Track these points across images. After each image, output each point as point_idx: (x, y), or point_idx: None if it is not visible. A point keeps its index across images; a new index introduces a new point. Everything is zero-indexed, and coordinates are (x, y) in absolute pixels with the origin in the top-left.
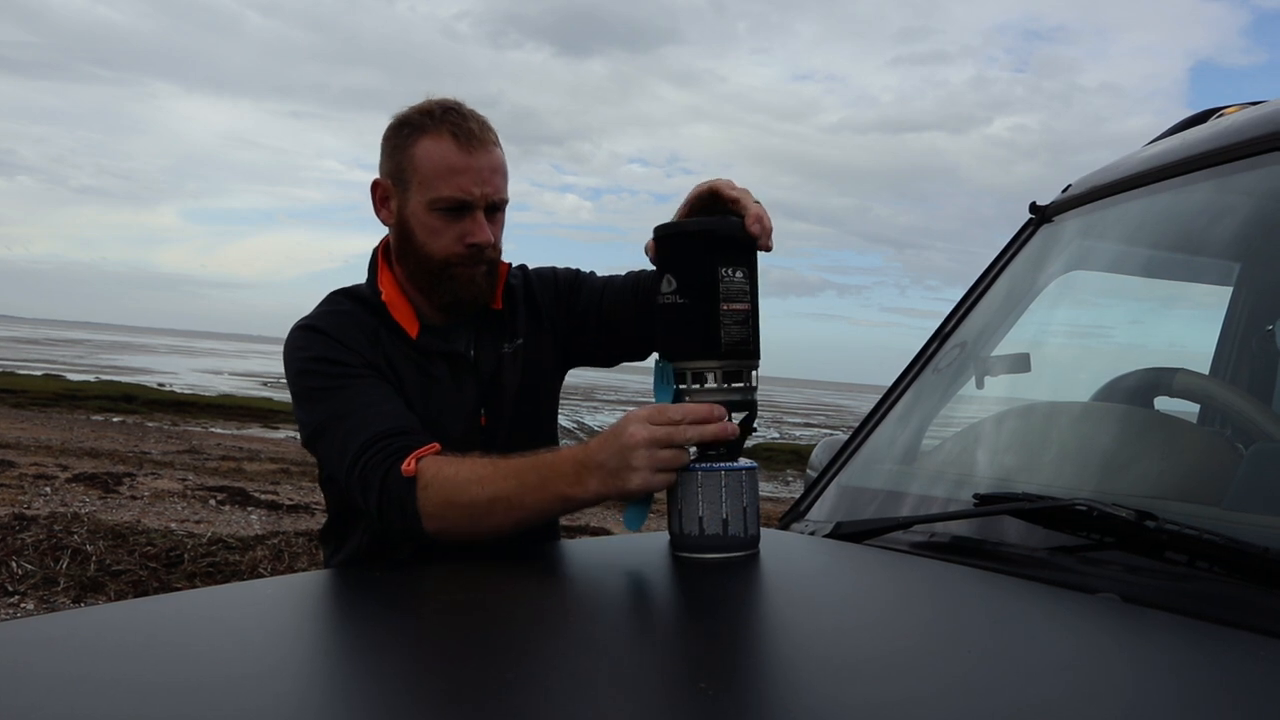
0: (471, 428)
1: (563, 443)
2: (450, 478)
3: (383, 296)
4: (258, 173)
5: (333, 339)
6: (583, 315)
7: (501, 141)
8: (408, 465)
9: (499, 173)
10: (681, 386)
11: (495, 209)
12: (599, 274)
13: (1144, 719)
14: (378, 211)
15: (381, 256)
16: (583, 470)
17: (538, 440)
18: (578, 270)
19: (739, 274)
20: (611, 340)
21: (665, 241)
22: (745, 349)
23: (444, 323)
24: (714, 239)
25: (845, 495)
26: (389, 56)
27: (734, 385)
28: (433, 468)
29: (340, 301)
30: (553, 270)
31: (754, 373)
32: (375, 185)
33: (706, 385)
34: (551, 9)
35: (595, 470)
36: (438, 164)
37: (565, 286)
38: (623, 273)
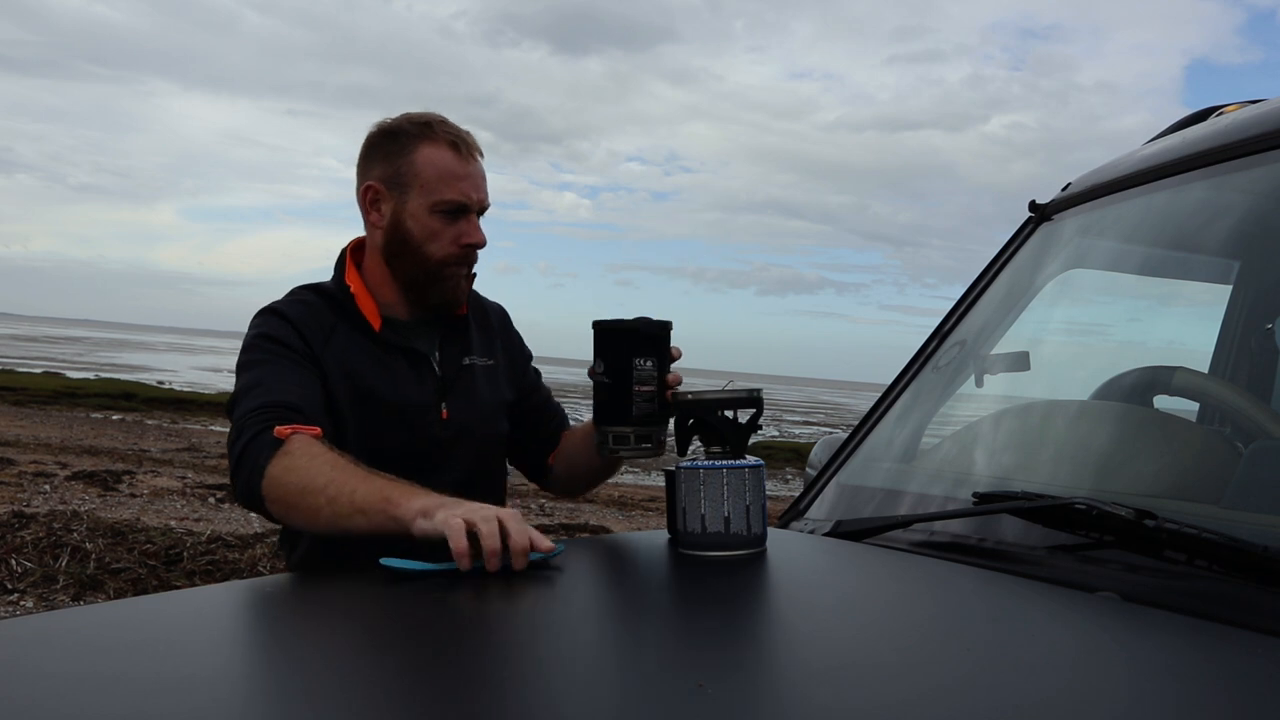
0: (432, 419)
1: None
2: (317, 453)
3: (351, 290)
4: (256, 170)
5: (288, 321)
6: (517, 391)
7: (499, 140)
8: (283, 430)
9: (485, 180)
10: (606, 445)
11: (481, 214)
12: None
13: (1144, 717)
14: (367, 214)
15: (350, 256)
16: (421, 494)
17: (489, 448)
18: (530, 355)
19: (649, 363)
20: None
21: (599, 335)
22: (652, 419)
23: (407, 319)
24: (633, 336)
25: (845, 494)
26: (386, 55)
27: (644, 445)
28: (304, 443)
29: (305, 294)
30: (521, 337)
31: (665, 430)
32: (367, 188)
33: (627, 444)
34: (548, 8)
35: (430, 498)
36: (441, 170)
37: (523, 360)
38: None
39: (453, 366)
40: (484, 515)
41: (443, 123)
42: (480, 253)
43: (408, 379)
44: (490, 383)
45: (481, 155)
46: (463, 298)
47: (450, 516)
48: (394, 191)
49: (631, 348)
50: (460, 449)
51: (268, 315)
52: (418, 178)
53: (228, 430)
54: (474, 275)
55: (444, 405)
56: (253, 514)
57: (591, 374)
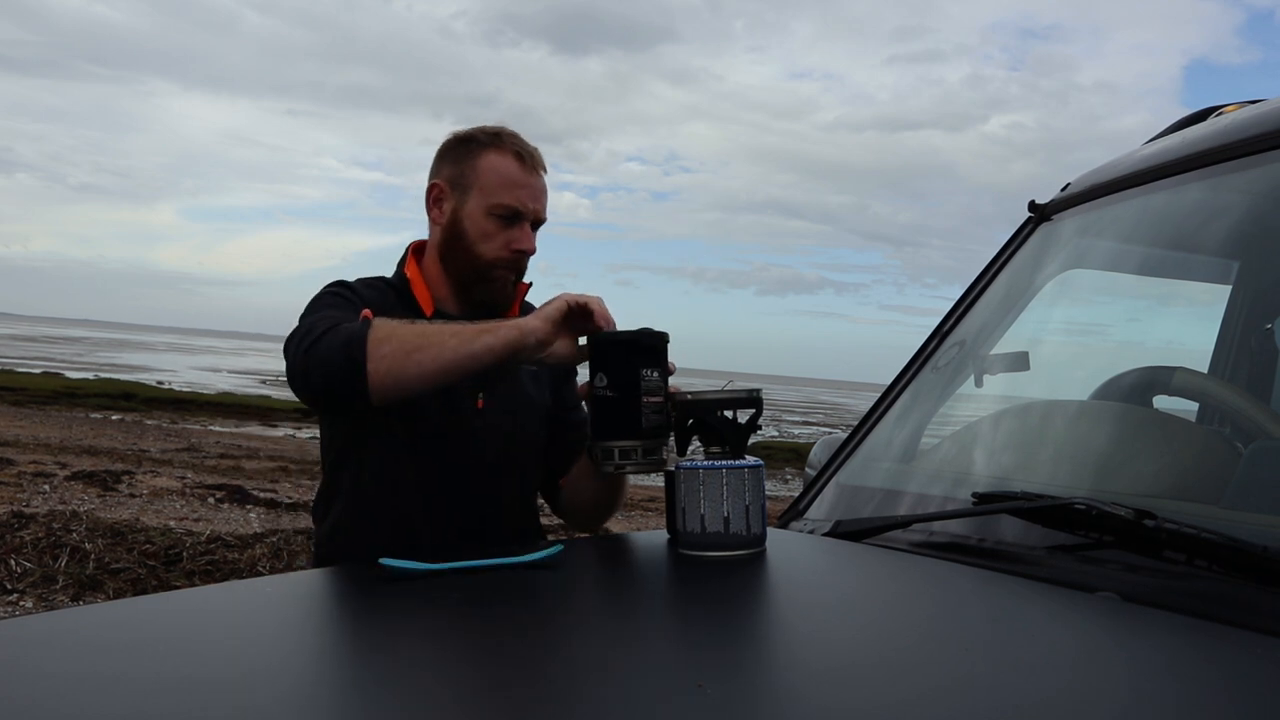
0: (468, 407)
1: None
2: (399, 324)
3: (408, 276)
4: (255, 170)
5: (354, 289)
6: (556, 400)
7: None
8: (367, 314)
9: (546, 195)
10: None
11: (537, 226)
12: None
13: (1144, 717)
14: (429, 210)
15: (412, 254)
16: (502, 325)
17: (522, 448)
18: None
19: (655, 374)
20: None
21: (599, 348)
22: (660, 431)
23: (457, 315)
24: (638, 347)
25: (844, 494)
26: (386, 55)
27: (651, 459)
28: (382, 320)
29: (368, 279)
30: None
31: (667, 443)
32: (432, 187)
33: (634, 458)
34: (548, 8)
35: (513, 324)
36: (502, 176)
37: (564, 371)
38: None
39: None
40: (580, 298)
41: (513, 136)
42: None
43: None
44: (535, 384)
45: (545, 170)
46: (509, 302)
47: (560, 300)
48: (456, 191)
49: (638, 359)
50: (492, 441)
51: (334, 284)
52: (479, 180)
53: (289, 342)
54: (529, 284)
55: (480, 395)
56: (252, 514)
57: (588, 389)
